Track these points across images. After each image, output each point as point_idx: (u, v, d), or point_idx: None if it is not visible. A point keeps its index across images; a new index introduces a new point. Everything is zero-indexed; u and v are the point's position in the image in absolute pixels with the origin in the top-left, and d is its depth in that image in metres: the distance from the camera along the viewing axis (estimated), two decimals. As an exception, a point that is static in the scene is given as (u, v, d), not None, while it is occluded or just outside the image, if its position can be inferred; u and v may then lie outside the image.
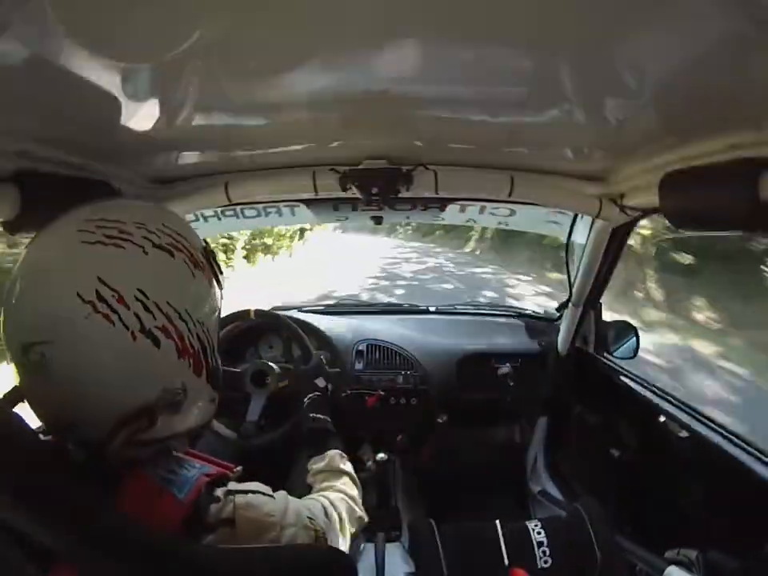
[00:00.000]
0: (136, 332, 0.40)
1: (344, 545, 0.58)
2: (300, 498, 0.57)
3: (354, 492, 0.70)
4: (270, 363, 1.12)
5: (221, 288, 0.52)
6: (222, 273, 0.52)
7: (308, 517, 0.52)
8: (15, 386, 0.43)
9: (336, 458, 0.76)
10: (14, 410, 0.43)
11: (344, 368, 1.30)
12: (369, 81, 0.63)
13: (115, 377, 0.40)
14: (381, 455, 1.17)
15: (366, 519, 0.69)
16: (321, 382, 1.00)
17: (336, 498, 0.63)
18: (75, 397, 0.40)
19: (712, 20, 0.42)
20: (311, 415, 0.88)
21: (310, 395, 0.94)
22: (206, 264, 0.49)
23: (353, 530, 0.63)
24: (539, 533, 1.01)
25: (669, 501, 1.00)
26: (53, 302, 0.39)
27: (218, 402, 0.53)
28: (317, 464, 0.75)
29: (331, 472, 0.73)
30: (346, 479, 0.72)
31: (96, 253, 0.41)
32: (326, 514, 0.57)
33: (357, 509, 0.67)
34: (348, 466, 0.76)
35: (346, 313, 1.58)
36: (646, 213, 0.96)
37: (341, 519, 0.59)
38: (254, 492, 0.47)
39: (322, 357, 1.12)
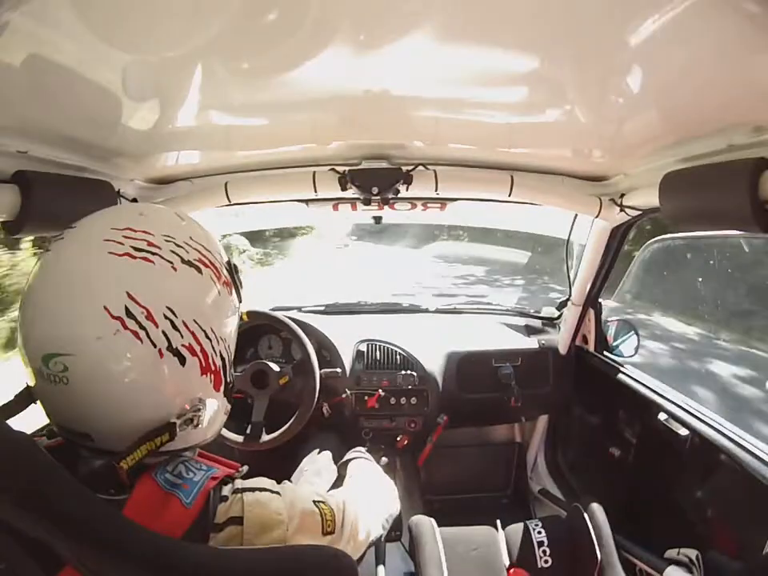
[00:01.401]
0: (163, 350, 0.40)
1: (363, 533, 0.57)
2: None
3: (378, 482, 0.71)
4: (269, 363, 1.11)
5: (240, 301, 0.52)
6: (242, 286, 0.52)
7: (314, 500, 0.50)
8: (27, 387, 0.42)
9: (358, 461, 0.76)
10: (24, 411, 0.43)
11: (344, 368, 1.30)
12: (369, 81, 0.63)
13: (138, 393, 0.40)
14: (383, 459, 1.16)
15: (398, 509, 0.69)
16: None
17: (356, 489, 0.63)
18: (95, 409, 0.39)
19: (711, 21, 0.42)
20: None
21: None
22: (230, 278, 0.49)
23: (378, 516, 0.63)
24: (539, 532, 1.01)
25: (669, 500, 1.00)
26: (79, 316, 0.38)
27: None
28: (341, 470, 0.75)
29: (354, 472, 0.73)
30: (368, 475, 0.72)
31: (124, 266, 0.40)
32: (343, 500, 0.55)
33: (381, 498, 0.67)
34: (372, 465, 0.76)
35: (345, 313, 1.58)
36: (645, 213, 0.96)
37: (360, 505, 0.58)
38: (261, 489, 0.47)
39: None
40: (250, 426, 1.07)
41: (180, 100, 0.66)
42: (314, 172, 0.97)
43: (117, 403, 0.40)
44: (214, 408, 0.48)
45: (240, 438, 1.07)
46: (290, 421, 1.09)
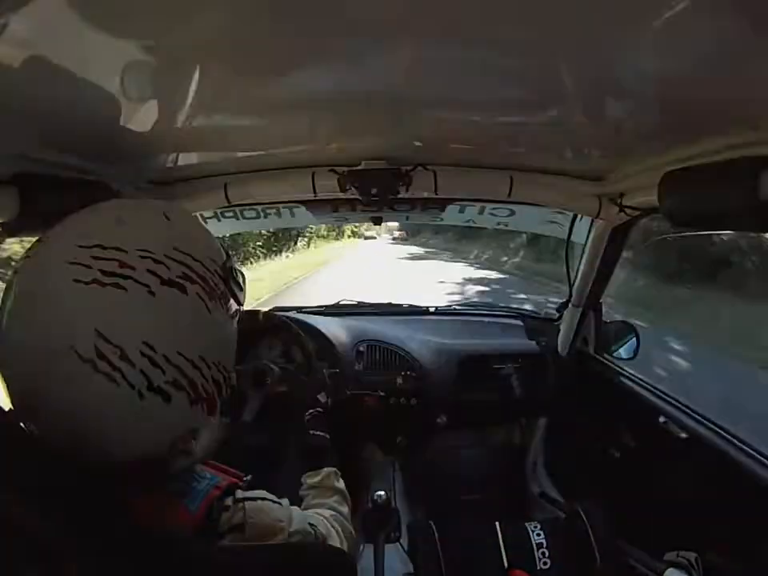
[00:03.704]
0: (143, 390, 0.35)
1: None
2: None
3: (345, 509, 0.72)
4: (270, 364, 1.11)
5: (241, 305, 0.46)
6: (243, 286, 0.46)
7: (309, 524, 0.53)
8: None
9: (331, 475, 0.78)
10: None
11: (344, 369, 1.30)
12: (368, 81, 0.63)
13: (121, 435, 0.36)
14: (380, 493, 1.16)
15: (355, 536, 0.70)
16: (323, 398, 1.00)
17: (329, 514, 0.64)
18: (79, 449, 0.36)
19: (711, 20, 0.42)
20: (312, 432, 0.88)
21: (311, 411, 0.94)
22: (225, 288, 0.42)
23: (345, 545, 0.64)
24: (539, 534, 1.00)
25: (668, 502, 1.00)
26: (48, 355, 0.34)
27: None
28: (311, 479, 0.77)
29: (324, 489, 0.74)
30: (337, 497, 0.74)
31: (92, 297, 0.34)
32: (325, 526, 0.58)
33: (348, 526, 0.68)
34: (340, 484, 0.78)
35: (346, 314, 1.58)
36: (645, 212, 0.95)
37: (337, 534, 0.60)
38: (262, 498, 0.48)
39: (325, 370, 1.10)
40: (239, 423, 1.06)
41: (179, 101, 0.66)
42: (313, 173, 0.97)
43: (99, 444, 0.36)
44: (211, 430, 0.45)
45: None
46: (281, 425, 1.09)
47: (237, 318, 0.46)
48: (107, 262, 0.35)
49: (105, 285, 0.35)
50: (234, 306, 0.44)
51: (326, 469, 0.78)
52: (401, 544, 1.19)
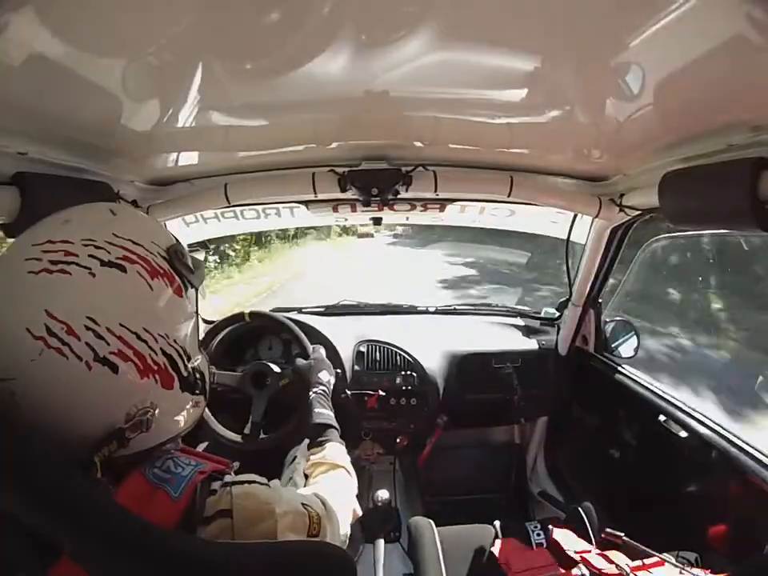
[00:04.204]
0: (90, 362, 0.39)
1: (341, 535, 0.59)
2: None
3: (348, 485, 0.71)
4: (269, 364, 1.12)
5: (195, 287, 0.49)
6: (195, 270, 0.49)
7: (302, 503, 0.52)
8: None
9: (334, 450, 0.77)
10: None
11: (344, 369, 1.30)
12: (369, 81, 0.63)
13: (77, 407, 0.40)
14: (381, 494, 1.17)
15: (360, 513, 0.70)
16: (324, 376, 1.00)
17: (331, 491, 0.63)
18: (48, 427, 0.39)
19: (710, 23, 0.42)
20: (315, 410, 0.87)
21: (315, 390, 0.94)
22: (169, 268, 0.46)
23: (348, 519, 0.63)
24: (539, 534, 1.00)
25: (668, 502, 1.00)
26: (7, 341, 0.38)
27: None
28: (315, 455, 0.76)
29: (327, 464, 0.73)
30: (342, 471, 0.72)
31: (41, 283, 0.39)
32: (323, 502, 0.57)
33: (351, 501, 0.67)
34: (345, 458, 0.76)
35: (345, 314, 1.58)
36: (645, 212, 0.96)
37: (336, 509, 0.59)
38: (249, 482, 0.48)
39: (321, 350, 1.12)
40: (248, 426, 1.07)
41: (180, 101, 0.66)
42: (314, 173, 0.97)
43: (62, 418, 0.39)
44: (171, 406, 0.47)
45: (238, 438, 1.07)
46: (289, 421, 1.09)
47: (193, 298, 0.50)
48: (55, 253, 0.40)
49: (52, 272, 0.39)
50: (182, 284, 0.47)
51: (329, 444, 0.77)
52: (401, 544, 1.19)
